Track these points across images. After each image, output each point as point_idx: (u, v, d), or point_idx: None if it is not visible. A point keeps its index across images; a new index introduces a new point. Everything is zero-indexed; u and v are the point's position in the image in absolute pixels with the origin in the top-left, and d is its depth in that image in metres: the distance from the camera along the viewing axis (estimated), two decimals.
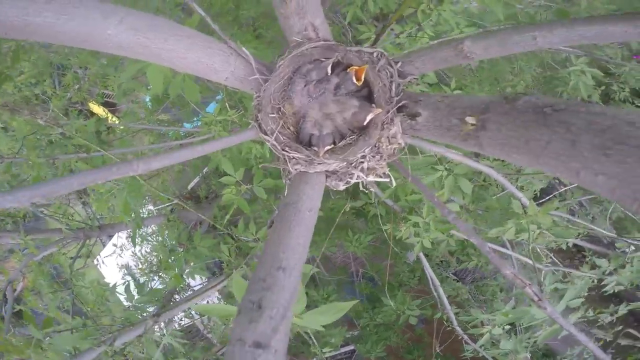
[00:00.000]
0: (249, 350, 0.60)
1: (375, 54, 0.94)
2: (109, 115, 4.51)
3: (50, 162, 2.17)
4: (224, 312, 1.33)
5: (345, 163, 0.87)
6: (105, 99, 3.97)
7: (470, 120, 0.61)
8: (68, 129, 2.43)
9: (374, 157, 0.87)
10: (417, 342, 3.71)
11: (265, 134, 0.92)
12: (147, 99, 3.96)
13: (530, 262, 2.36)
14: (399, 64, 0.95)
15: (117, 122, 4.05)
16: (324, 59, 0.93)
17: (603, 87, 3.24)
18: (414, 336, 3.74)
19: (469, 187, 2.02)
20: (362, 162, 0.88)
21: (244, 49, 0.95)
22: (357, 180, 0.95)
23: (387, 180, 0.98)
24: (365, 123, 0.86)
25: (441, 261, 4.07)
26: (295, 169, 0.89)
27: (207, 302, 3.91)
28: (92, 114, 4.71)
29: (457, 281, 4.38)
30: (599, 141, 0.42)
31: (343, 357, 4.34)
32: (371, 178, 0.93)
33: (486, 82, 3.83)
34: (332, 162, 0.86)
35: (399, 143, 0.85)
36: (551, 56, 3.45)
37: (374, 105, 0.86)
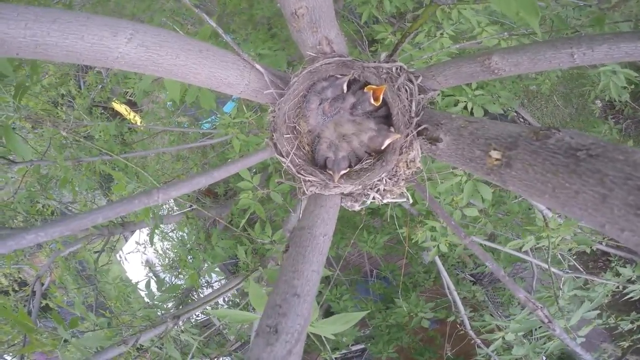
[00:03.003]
0: None
1: (394, 69, 0.89)
2: (132, 114, 4.59)
3: (75, 165, 2.23)
4: (241, 318, 1.35)
5: (361, 186, 0.84)
6: (128, 98, 4.04)
7: (495, 155, 0.57)
8: (91, 130, 2.48)
9: (390, 180, 0.83)
10: (429, 343, 3.67)
11: (281, 155, 0.89)
12: (167, 101, 4.01)
13: (552, 269, 2.28)
14: (420, 79, 0.90)
15: (139, 121, 4.12)
16: (339, 76, 0.89)
17: (633, 86, 3.04)
18: (426, 337, 3.70)
19: (488, 192, 1.95)
20: (379, 185, 0.84)
21: (257, 63, 0.92)
22: (373, 201, 0.92)
23: (405, 200, 0.95)
24: (383, 147, 0.82)
25: (457, 262, 3.99)
26: (310, 191, 0.87)
27: (222, 299, 3.97)
28: (116, 113, 4.82)
29: (474, 283, 4.29)
30: (632, 199, 0.38)
31: (354, 355, 4.35)
32: (388, 199, 0.89)
33: (509, 80, 3.68)
34: (347, 186, 0.83)
35: (417, 167, 0.81)
36: None
37: (392, 128, 0.82)
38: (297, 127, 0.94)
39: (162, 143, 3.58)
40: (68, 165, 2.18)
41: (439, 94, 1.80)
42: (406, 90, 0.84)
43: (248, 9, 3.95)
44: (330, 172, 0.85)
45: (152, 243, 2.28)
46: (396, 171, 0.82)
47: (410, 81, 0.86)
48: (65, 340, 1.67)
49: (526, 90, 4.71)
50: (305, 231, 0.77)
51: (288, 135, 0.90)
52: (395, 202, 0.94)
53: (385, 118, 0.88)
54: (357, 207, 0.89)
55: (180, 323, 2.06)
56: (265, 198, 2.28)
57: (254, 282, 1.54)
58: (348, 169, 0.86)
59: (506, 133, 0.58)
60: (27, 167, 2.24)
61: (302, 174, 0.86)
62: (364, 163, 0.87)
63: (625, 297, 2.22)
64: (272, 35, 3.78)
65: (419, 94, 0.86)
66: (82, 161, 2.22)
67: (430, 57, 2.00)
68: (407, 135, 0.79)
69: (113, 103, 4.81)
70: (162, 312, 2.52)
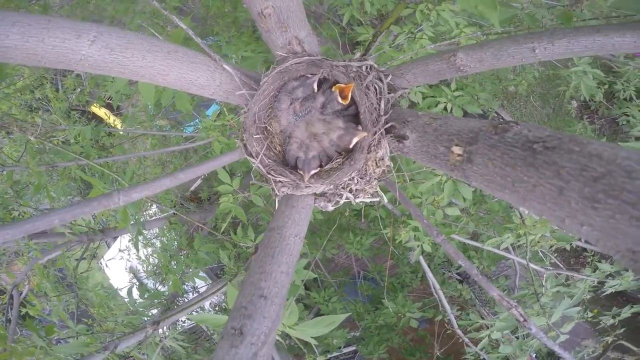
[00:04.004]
0: None
1: (364, 68, 0.89)
2: (111, 117, 4.49)
3: (49, 170, 2.16)
4: (218, 322, 1.32)
5: (332, 186, 0.83)
6: (108, 101, 3.96)
7: (456, 150, 0.57)
8: (68, 134, 2.41)
9: (362, 179, 0.83)
10: (419, 342, 3.68)
11: (251, 155, 0.88)
12: (148, 103, 3.94)
13: (533, 265, 2.31)
14: (389, 78, 0.90)
15: (119, 125, 4.04)
16: (310, 75, 0.89)
17: (607, 86, 3.13)
18: (416, 337, 3.71)
19: (468, 191, 1.97)
20: (350, 184, 0.84)
21: (226, 64, 0.91)
22: (346, 201, 0.91)
23: (378, 199, 0.94)
24: (351, 146, 0.82)
25: (444, 261, 4.02)
26: (282, 192, 0.86)
27: (212, 302, 3.91)
28: (95, 116, 4.71)
29: (461, 281, 4.33)
30: (589, 191, 0.38)
31: (345, 357, 4.33)
32: (361, 199, 0.88)
33: (488, 82, 3.74)
34: (318, 186, 0.82)
35: (387, 165, 0.81)
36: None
37: (359, 127, 0.82)
38: (269, 127, 0.92)
39: (144, 147, 3.52)
40: (42, 171, 2.11)
41: (409, 93, 1.81)
42: (375, 89, 0.84)
43: (232, 11, 3.93)
44: (301, 172, 0.84)
45: (137, 249, 2.23)
46: (366, 170, 0.81)
47: (380, 80, 0.86)
48: (42, 348, 1.61)
49: (505, 92, 4.81)
50: (275, 232, 0.76)
51: (258, 136, 0.89)
52: (370, 201, 0.94)
53: (355, 116, 0.88)
54: (330, 208, 0.89)
55: (165, 328, 2.02)
56: (249, 202, 2.25)
57: (232, 286, 1.52)
58: (319, 169, 0.85)
59: (467, 128, 0.58)
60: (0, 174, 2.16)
61: (272, 175, 0.85)
62: (334, 162, 0.86)
63: (607, 293, 2.27)
64: (257, 38, 3.76)
65: (389, 93, 0.86)
66: (56, 166, 2.16)
67: (411, 57, 2.02)
68: (375, 133, 0.78)
69: (92, 107, 4.71)
70: (146, 318, 2.46)
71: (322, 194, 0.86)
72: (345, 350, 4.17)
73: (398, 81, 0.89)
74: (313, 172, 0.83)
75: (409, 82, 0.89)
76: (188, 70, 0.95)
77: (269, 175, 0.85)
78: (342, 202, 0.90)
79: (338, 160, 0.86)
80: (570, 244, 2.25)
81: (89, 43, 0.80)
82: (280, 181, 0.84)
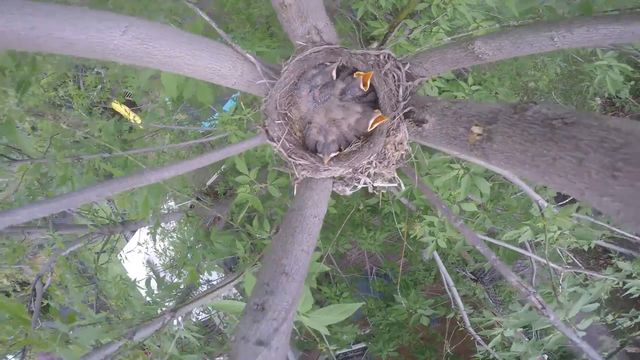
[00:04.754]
0: (251, 348, 0.62)
1: (382, 56, 0.91)
2: (131, 114, 4.63)
3: (75, 162, 2.25)
4: (237, 309, 1.36)
5: (351, 169, 0.86)
6: (127, 98, 4.08)
7: (476, 130, 0.59)
8: (91, 129, 2.51)
9: (380, 163, 0.85)
10: (430, 341, 3.66)
11: (272, 140, 0.91)
12: (167, 99, 4.05)
13: (551, 264, 2.27)
14: (407, 66, 0.92)
15: (138, 121, 4.16)
16: (328, 63, 0.91)
17: (633, 82, 3.04)
18: (427, 335, 3.69)
19: (486, 186, 1.96)
20: (369, 168, 0.86)
21: (248, 54, 0.95)
22: (364, 185, 0.93)
23: (396, 185, 0.96)
24: (369, 129, 0.84)
25: (458, 260, 3.99)
26: (302, 175, 0.89)
27: (224, 296, 3.99)
28: (115, 113, 4.86)
29: (475, 281, 4.29)
30: (608, 161, 0.39)
31: (354, 354, 4.34)
32: (379, 183, 0.91)
33: (507, 77, 3.68)
34: (337, 169, 0.85)
35: (405, 149, 0.83)
36: (576, 50, 3.27)
37: (377, 110, 0.84)
38: (289, 114, 0.96)
39: (163, 142, 3.61)
40: (68, 163, 2.20)
41: (427, 81, 1.81)
42: (394, 77, 0.86)
43: (246, 8, 3.98)
44: (321, 155, 0.87)
45: (154, 240, 2.30)
46: (385, 154, 0.83)
47: (398, 68, 0.88)
48: (62, 335, 1.68)
49: (526, 88, 4.72)
50: (296, 212, 0.79)
51: (279, 122, 0.92)
52: (386, 189, 0.96)
53: (373, 102, 0.90)
54: (348, 192, 0.91)
55: (180, 319, 2.08)
56: (265, 195, 2.29)
57: (249, 272, 1.55)
58: (338, 152, 0.88)
59: (487, 110, 0.59)
60: (27, 166, 2.26)
61: (293, 158, 0.88)
62: (352, 146, 0.89)
63: (625, 294, 2.22)
64: (271, 34, 3.81)
65: (407, 81, 0.88)
66: (81, 159, 2.25)
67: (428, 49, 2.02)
68: (394, 117, 0.81)
69: (112, 103, 4.85)
70: (163, 309, 2.53)
71: (341, 178, 0.88)
72: (354, 347, 4.18)
73: (416, 69, 0.91)
74: (332, 155, 0.86)
75: (427, 71, 0.91)
76: (213, 61, 0.99)
77: (290, 159, 0.88)
78: (359, 186, 0.92)
79: (357, 144, 0.89)
80: (589, 245, 2.21)
81: (120, 33, 0.85)
82: (300, 164, 0.87)
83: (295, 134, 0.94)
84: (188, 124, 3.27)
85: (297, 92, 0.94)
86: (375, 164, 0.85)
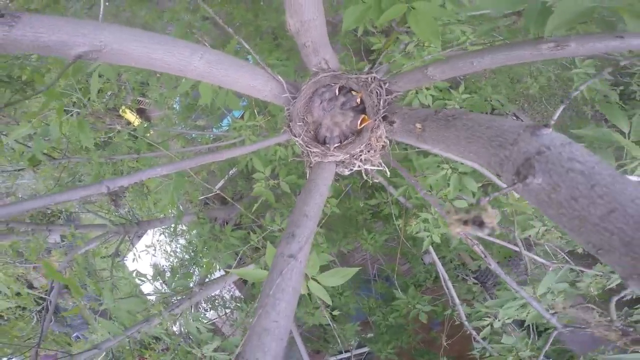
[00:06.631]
0: (285, 260, 1.16)
1: (369, 79, 1.49)
2: (139, 121, 5.24)
3: (107, 162, 2.83)
4: (259, 276, 1.89)
5: (348, 155, 1.42)
6: (140, 107, 4.70)
7: (418, 125, 1.14)
8: (121, 134, 3.10)
9: (368, 152, 1.41)
10: (430, 345, 4.08)
11: (295, 136, 1.48)
12: (176, 106, 4.67)
13: (537, 258, 2.76)
14: (387, 85, 1.49)
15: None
16: (333, 84, 1.49)
17: (622, 87, 3.58)
18: (427, 338, 4.11)
19: (473, 184, 2.47)
20: (361, 155, 1.42)
21: (278, 77, 1.52)
22: (358, 168, 1.49)
23: (382, 168, 1.52)
24: (359, 128, 1.40)
25: (459, 265, 4.48)
26: (315, 160, 1.45)
27: (230, 297, 4.48)
28: (123, 119, 5.49)
29: (478, 284, 4.76)
30: (468, 132, 0.95)
31: (357, 359, 4.80)
32: (368, 166, 1.47)
33: (502, 85, 4.29)
34: (339, 155, 1.41)
35: (384, 141, 1.39)
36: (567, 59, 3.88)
37: (364, 115, 1.41)
38: (306, 118, 1.53)
39: (175, 148, 4.21)
40: (102, 162, 2.78)
41: (402, 95, 2.40)
42: (377, 93, 1.43)
43: (254, 19, 4.60)
44: (328, 146, 1.43)
45: (175, 233, 2.84)
46: (371, 145, 1.39)
47: (380, 86, 1.45)
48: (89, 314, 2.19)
49: (526, 94, 5.32)
50: (312, 181, 1.35)
51: (300, 123, 1.49)
52: (374, 170, 1.52)
53: (363, 110, 1.47)
54: (347, 172, 1.47)
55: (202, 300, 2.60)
56: (277, 194, 2.82)
57: (270, 245, 2.06)
58: (339, 144, 1.44)
59: (423, 113, 1.16)
60: (65, 164, 2.83)
61: (308, 147, 1.44)
62: (349, 139, 1.46)
63: (619, 297, 2.65)
64: (277, 45, 4.43)
65: (387, 95, 1.45)
66: (114, 159, 2.83)
67: (421, 62, 2.60)
68: (375, 120, 1.37)
69: (121, 111, 5.48)
70: (179, 298, 3.06)
71: (341, 162, 1.44)
72: (355, 352, 4.64)
73: (393, 87, 1.49)
74: (335, 145, 1.42)
75: (400, 87, 1.49)
76: (251, 80, 1.56)
77: (307, 148, 1.45)
78: (355, 169, 1.48)
79: (352, 137, 1.45)
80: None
81: (198, 58, 1.40)
82: (313, 152, 1.43)
83: (310, 132, 1.51)
84: (204, 129, 3.86)
85: (312, 104, 1.52)
86: (365, 152, 1.41)
